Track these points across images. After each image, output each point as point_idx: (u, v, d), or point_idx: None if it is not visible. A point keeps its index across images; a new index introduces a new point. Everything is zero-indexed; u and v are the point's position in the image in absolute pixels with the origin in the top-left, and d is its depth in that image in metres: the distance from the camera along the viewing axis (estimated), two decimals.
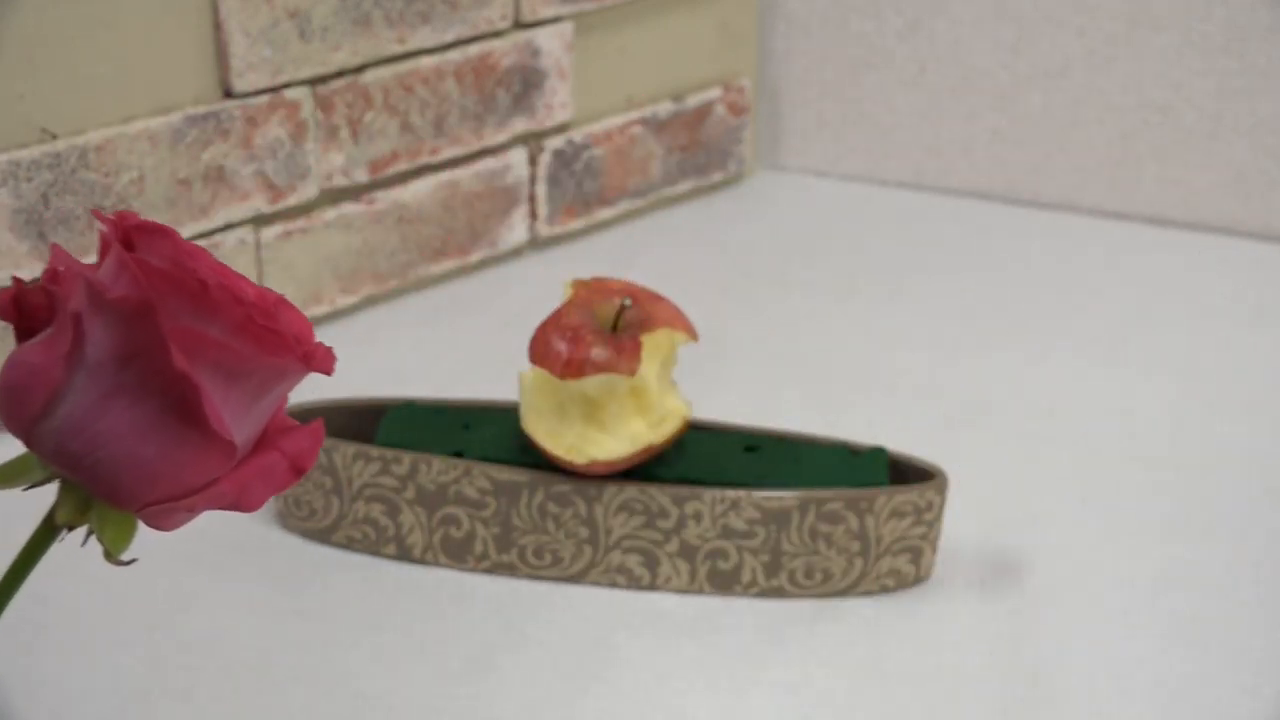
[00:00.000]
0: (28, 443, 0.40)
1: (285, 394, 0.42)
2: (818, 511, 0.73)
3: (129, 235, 0.41)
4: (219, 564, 0.76)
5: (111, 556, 0.40)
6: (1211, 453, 0.87)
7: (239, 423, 0.40)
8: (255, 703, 0.68)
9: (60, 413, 0.40)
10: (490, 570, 0.76)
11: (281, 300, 0.42)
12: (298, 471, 0.41)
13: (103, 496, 0.40)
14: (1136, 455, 0.86)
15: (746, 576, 0.74)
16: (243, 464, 0.40)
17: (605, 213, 1.13)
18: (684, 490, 0.73)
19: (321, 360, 0.41)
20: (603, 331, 0.73)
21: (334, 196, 0.98)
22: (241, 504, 0.41)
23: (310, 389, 0.90)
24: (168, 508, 0.40)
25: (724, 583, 0.74)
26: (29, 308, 0.41)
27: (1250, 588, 0.76)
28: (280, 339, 0.40)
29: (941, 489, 0.74)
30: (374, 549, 0.77)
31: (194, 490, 0.40)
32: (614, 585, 0.75)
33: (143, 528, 0.79)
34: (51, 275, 0.40)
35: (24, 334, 0.41)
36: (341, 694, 0.68)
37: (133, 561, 0.44)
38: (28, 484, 0.41)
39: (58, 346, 0.39)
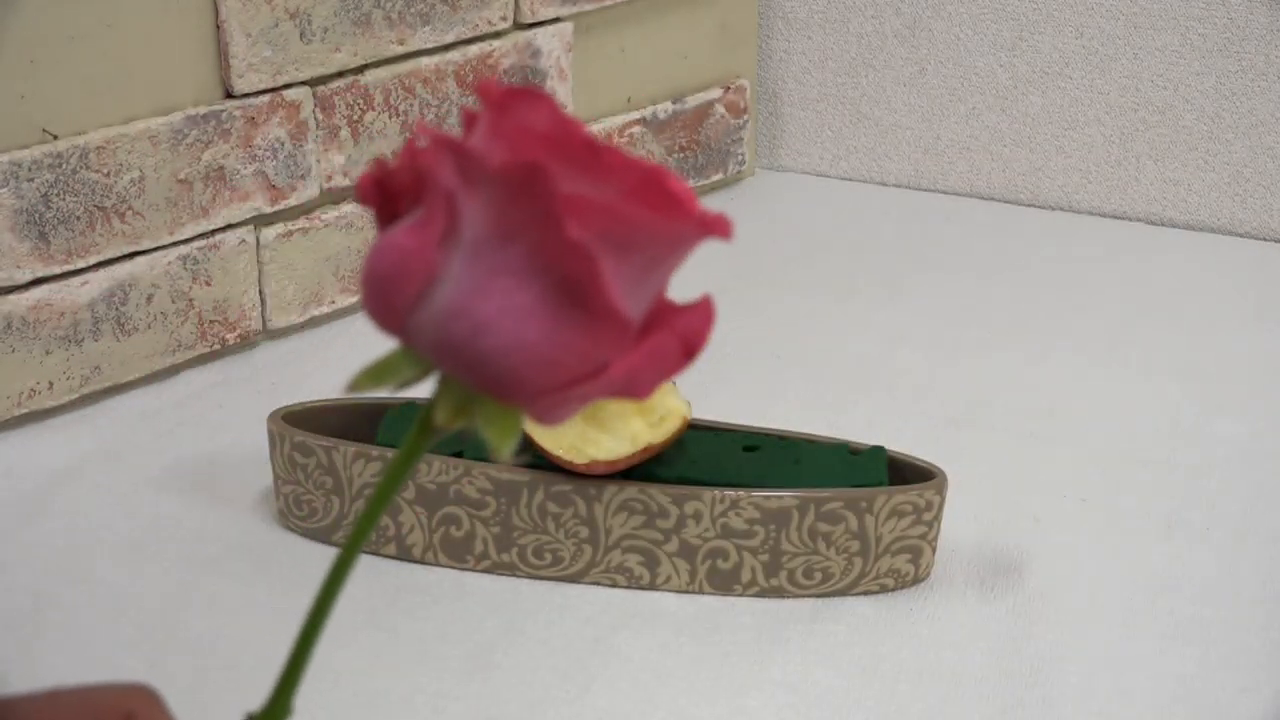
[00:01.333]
0: (403, 335, 0.37)
1: (674, 268, 0.38)
2: (817, 511, 0.73)
3: (502, 101, 0.36)
4: (219, 564, 0.76)
5: (500, 454, 0.36)
6: (1211, 453, 0.87)
7: (631, 300, 0.37)
8: (255, 703, 0.68)
9: (438, 300, 0.36)
10: (490, 570, 0.76)
11: (662, 168, 0.37)
12: (689, 353, 0.37)
13: (486, 390, 0.36)
14: (1136, 455, 0.86)
15: (746, 576, 0.74)
16: (633, 347, 0.37)
17: None
18: (684, 490, 0.73)
19: (719, 226, 0.37)
20: None
21: (334, 196, 0.98)
22: (633, 390, 0.37)
23: (311, 390, 0.89)
24: (557, 398, 0.36)
25: (724, 582, 0.74)
26: (391, 190, 0.37)
27: (1250, 588, 0.76)
28: (678, 202, 0.36)
29: (941, 489, 0.74)
30: (374, 549, 0.77)
31: (583, 377, 0.36)
32: (614, 585, 0.75)
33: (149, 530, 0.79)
34: (410, 152, 0.37)
35: (387, 219, 0.38)
36: (341, 694, 0.68)
37: (521, 457, 0.40)
38: (399, 382, 0.37)
39: (431, 227, 0.36)
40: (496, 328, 0.36)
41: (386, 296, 0.37)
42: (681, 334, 0.37)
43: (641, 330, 0.37)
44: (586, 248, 0.35)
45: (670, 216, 0.36)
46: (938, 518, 0.74)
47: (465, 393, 0.37)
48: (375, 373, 0.37)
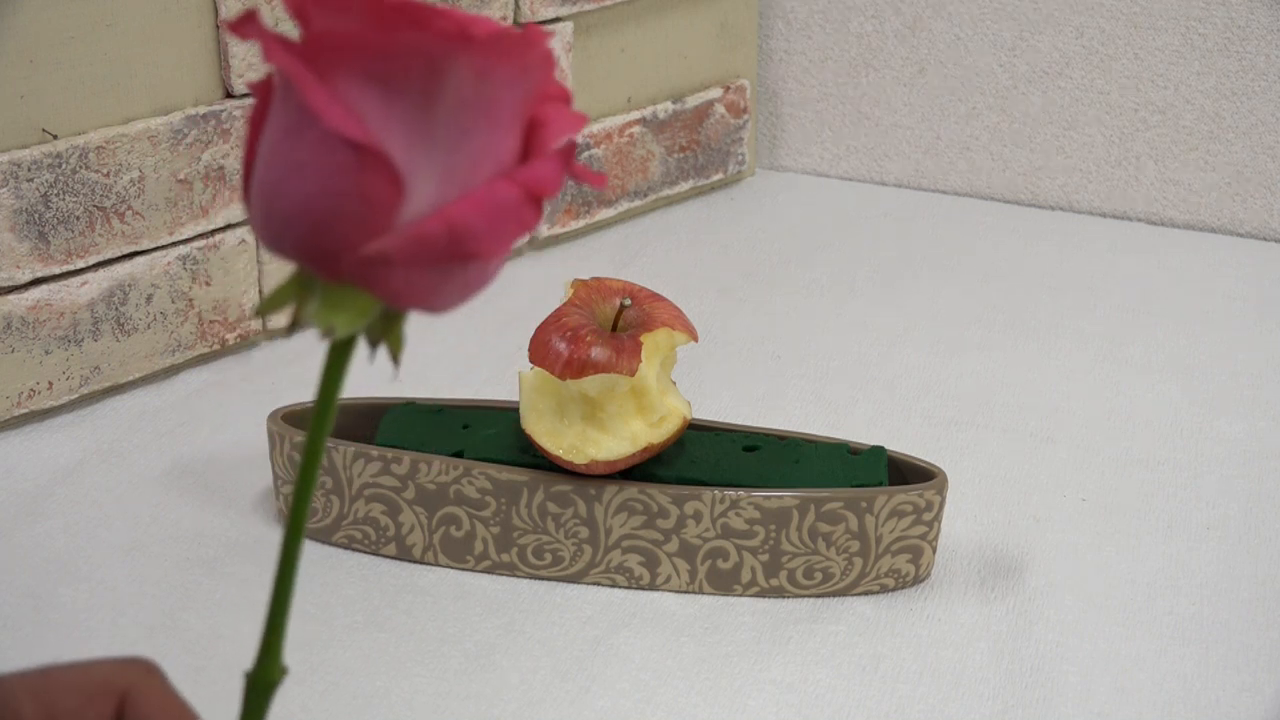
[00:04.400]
0: (253, 228, 0.36)
1: (496, 112, 0.35)
2: (817, 511, 0.73)
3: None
4: (219, 564, 0.76)
5: (326, 331, 0.35)
6: (1211, 453, 0.87)
7: (414, 140, 0.34)
8: None
9: (255, 176, 0.35)
10: (490, 570, 0.76)
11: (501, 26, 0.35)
12: (534, 200, 0.34)
13: (311, 265, 0.35)
14: (1136, 455, 0.86)
15: (746, 576, 0.74)
16: (461, 199, 0.34)
17: (605, 213, 1.13)
18: (684, 490, 0.73)
19: (490, 40, 0.33)
20: (603, 331, 0.73)
21: None
22: (473, 246, 0.34)
23: (311, 390, 0.89)
24: (373, 263, 0.34)
25: (724, 582, 0.74)
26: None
27: (1250, 588, 0.76)
28: (425, 15, 0.33)
29: (941, 489, 0.74)
30: (374, 549, 0.77)
31: (376, 227, 0.33)
32: (614, 585, 0.75)
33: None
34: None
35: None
36: (341, 694, 0.68)
37: (355, 337, 0.36)
38: (287, 301, 0.36)
39: (256, 111, 0.36)
40: (285, 189, 0.34)
41: (243, 193, 0.36)
42: (523, 181, 0.34)
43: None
44: (287, 67, 0.33)
45: (418, 31, 0.33)
46: (938, 518, 0.74)
47: (307, 276, 0.35)
48: (269, 300, 0.36)
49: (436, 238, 0.34)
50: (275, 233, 0.35)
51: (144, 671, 0.42)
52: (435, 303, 0.35)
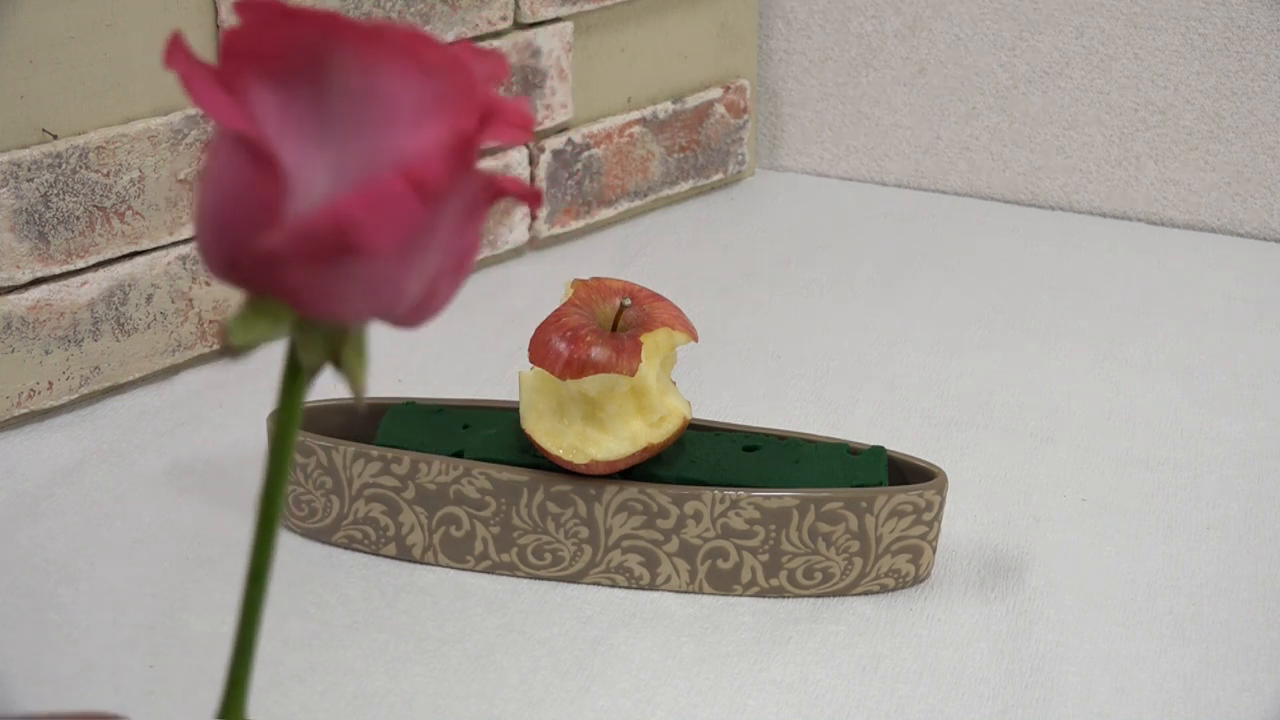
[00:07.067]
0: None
1: (402, 102, 0.35)
2: (817, 511, 0.73)
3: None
4: (219, 564, 0.76)
5: (235, 339, 0.35)
6: (1211, 453, 0.87)
7: (306, 135, 0.34)
8: (255, 702, 0.68)
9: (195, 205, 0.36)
10: (490, 570, 0.76)
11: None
12: (419, 187, 0.34)
13: (227, 277, 0.35)
14: (1136, 455, 0.86)
15: (746, 576, 0.74)
16: (346, 192, 0.34)
17: (605, 213, 1.13)
18: (684, 490, 0.73)
19: (369, 31, 0.34)
20: (603, 331, 0.73)
21: None
22: (349, 237, 0.34)
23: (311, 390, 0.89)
24: (267, 262, 0.34)
25: (724, 582, 0.74)
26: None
27: (1250, 588, 0.76)
28: (324, 18, 0.34)
29: (941, 489, 0.74)
30: (374, 549, 0.77)
31: (261, 222, 0.34)
32: (614, 585, 0.75)
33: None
34: None
35: None
36: (341, 694, 0.68)
37: (250, 347, 0.36)
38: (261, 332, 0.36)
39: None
40: (203, 202, 0.35)
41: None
42: (404, 170, 0.34)
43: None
44: (186, 72, 0.33)
45: (305, 27, 0.34)
46: (938, 518, 0.74)
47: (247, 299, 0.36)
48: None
49: (321, 230, 0.34)
50: (202, 248, 0.36)
51: None
52: (341, 308, 0.35)
